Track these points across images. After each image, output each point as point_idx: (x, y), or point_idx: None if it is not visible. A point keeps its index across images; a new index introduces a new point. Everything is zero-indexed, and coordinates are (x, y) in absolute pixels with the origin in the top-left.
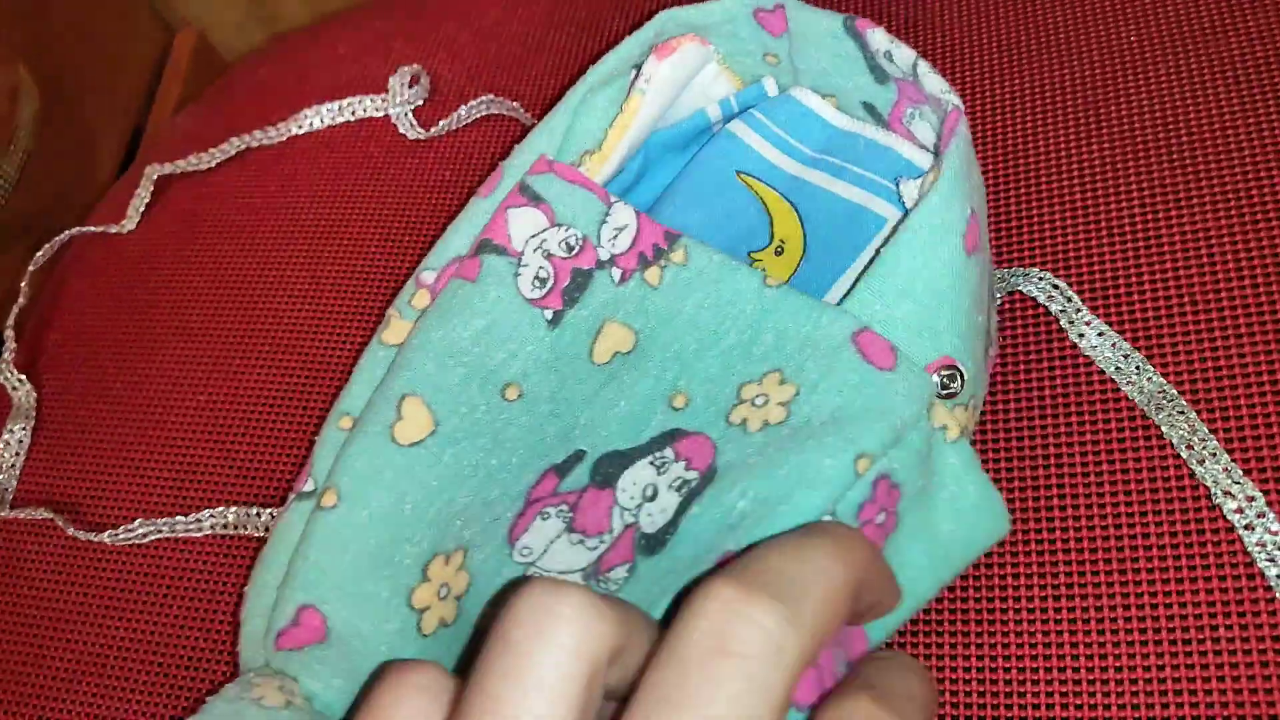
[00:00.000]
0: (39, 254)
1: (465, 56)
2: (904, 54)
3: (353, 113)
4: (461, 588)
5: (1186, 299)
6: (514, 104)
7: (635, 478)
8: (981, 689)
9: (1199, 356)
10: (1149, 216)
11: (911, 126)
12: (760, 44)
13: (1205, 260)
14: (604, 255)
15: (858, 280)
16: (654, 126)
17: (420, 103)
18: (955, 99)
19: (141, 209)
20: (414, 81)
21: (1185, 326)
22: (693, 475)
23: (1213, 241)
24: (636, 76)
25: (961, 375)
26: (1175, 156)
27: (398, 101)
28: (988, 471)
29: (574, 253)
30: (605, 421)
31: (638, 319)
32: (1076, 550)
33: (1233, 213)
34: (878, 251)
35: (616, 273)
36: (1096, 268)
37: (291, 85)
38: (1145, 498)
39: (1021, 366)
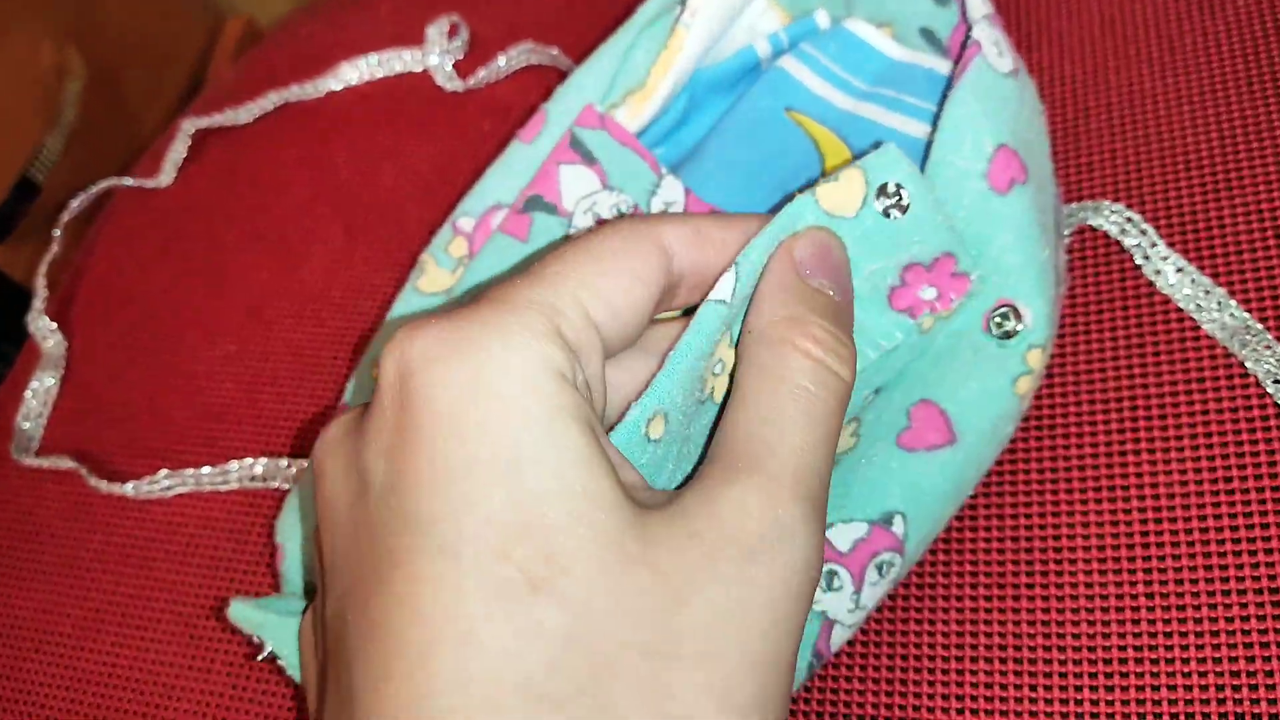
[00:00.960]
0: (74, 203)
1: (505, 10)
2: None
3: (390, 67)
4: None
5: (1271, 231)
6: (554, 51)
7: None
8: (1034, 635)
9: None
10: (1227, 147)
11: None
12: None
13: None
14: None
15: None
16: (699, 63)
17: (460, 56)
18: (986, 29)
19: (178, 164)
20: (453, 33)
21: (1270, 260)
22: None
23: None
24: (682, 12)
25: (1017, 313)
26: (1255, 85)
27: (436, 52)
28: (1056, 415)
29: None
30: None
31: None
32: (1152, 496)
33: None
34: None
35: None
36: (1173, 201)
37: (331, 42)
38: (1228, 439)
39: (1093, 305)
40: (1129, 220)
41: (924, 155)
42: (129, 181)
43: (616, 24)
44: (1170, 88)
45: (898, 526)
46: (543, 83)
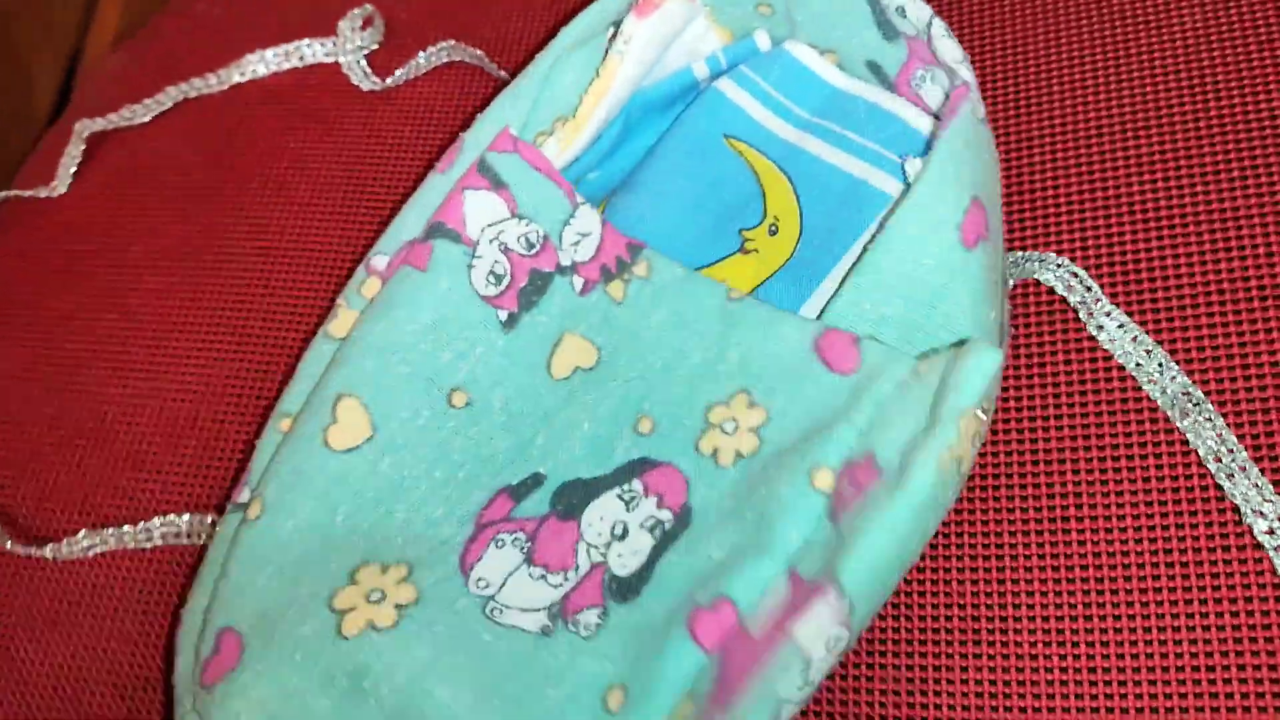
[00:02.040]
0: None
1: None
2: (919, 10)
3: (300, 58)
4: (406, 598)
5: (1214, 290)
6: (478, 52)
7: (602, 511)
8: (981, 705)
9: (1227, 354)
10: (1174, 198)
11: (920, 90)
12: None
13: (1235, 247)
14: (565, 260)
15: (846, 276)
16: (635, 88)
17: (374, 47)
18: (968, 72)
19: (73, 170)
20: (367, 24)
21: (1213, 320)
22: (666, 515)
23: (1243, 226)
24: (614, 35)
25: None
26: (1204, 133)
27: (349, 48)
28: (1000, 473)
29: (534, 251)
30: (566, 444)
31: (600, 334)
32: (1094, 565)
33: (1265, 195)
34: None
35: (579, 281)
36: (1117, 253)
37: (232, 26)
38: (1169, 509)
39: (1035, 358)
40: (1074, 275)
41: (860, 197)
42: (20, 193)
43: (545, 11)
44: (1117, 130)
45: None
46: (469, 83)
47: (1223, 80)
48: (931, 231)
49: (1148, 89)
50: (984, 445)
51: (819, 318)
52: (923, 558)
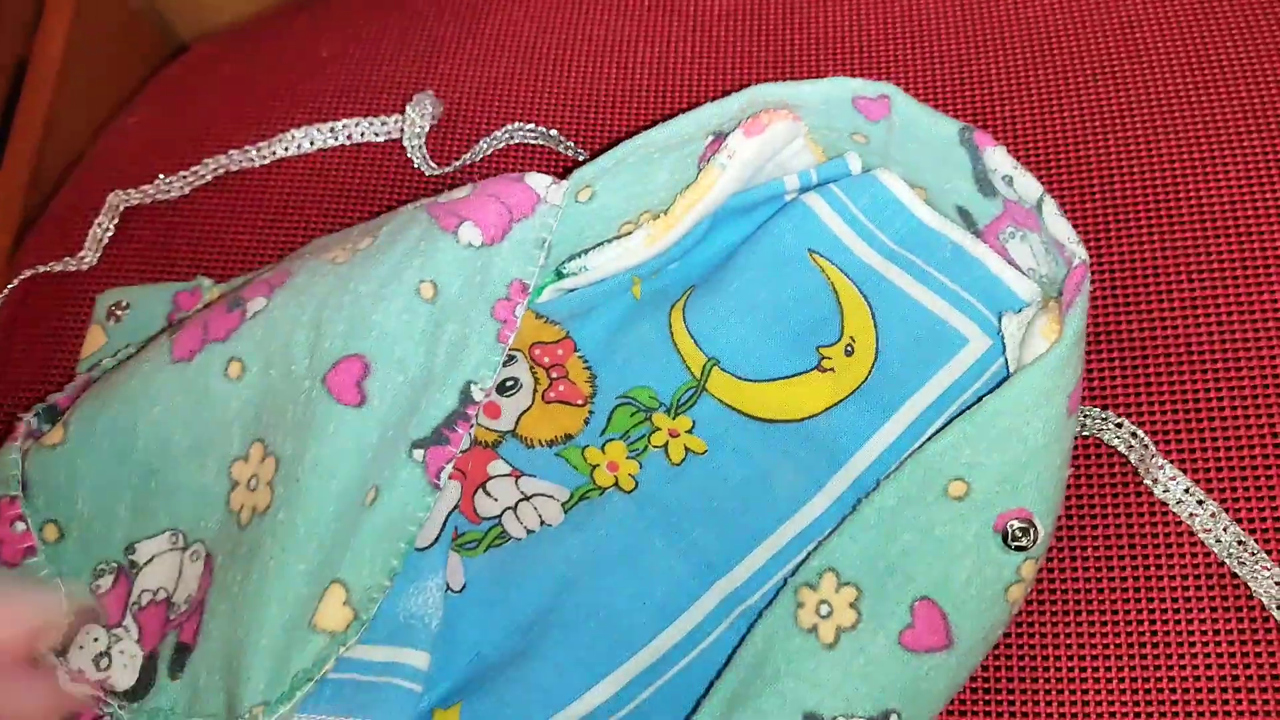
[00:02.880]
0: None
1: (472, 71)
2: (1030, 185)
3: (348, 136)
4: None
5: (1270, 442)
6: (552, 132)
7: None
8: None
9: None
10: (1225, 334)
11: (1009, 245)
12: (851, 123)
13: None
14: None
15: (951, 418)
16: (728, 196)
17: (429, 127)
18: (1082, 251)
19: (104, 241)
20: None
21: (1270, 475)
22: None
23: None
24: (714, 144)
25: (1036, 529)
26: (1254, 275)
27: (415, 131)
28: (1057, 619)
29: None
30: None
31: None
32: (1146, 713)
33: None
34: (972, 394)
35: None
36: (1167, 405)
37: (267, 90)
38: (1236, 655)
39: (1086, 510)
40: (1134, 435)
41: (938, 336)
42: (51, 267)
43: (601, 89)
44: (1168, 269)
45: None
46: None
47: (1268, 229)
48: (1048, 399)
49: (1198, 233)
50: (1039, 592)
51: (893, 455)
52: (963, 691)
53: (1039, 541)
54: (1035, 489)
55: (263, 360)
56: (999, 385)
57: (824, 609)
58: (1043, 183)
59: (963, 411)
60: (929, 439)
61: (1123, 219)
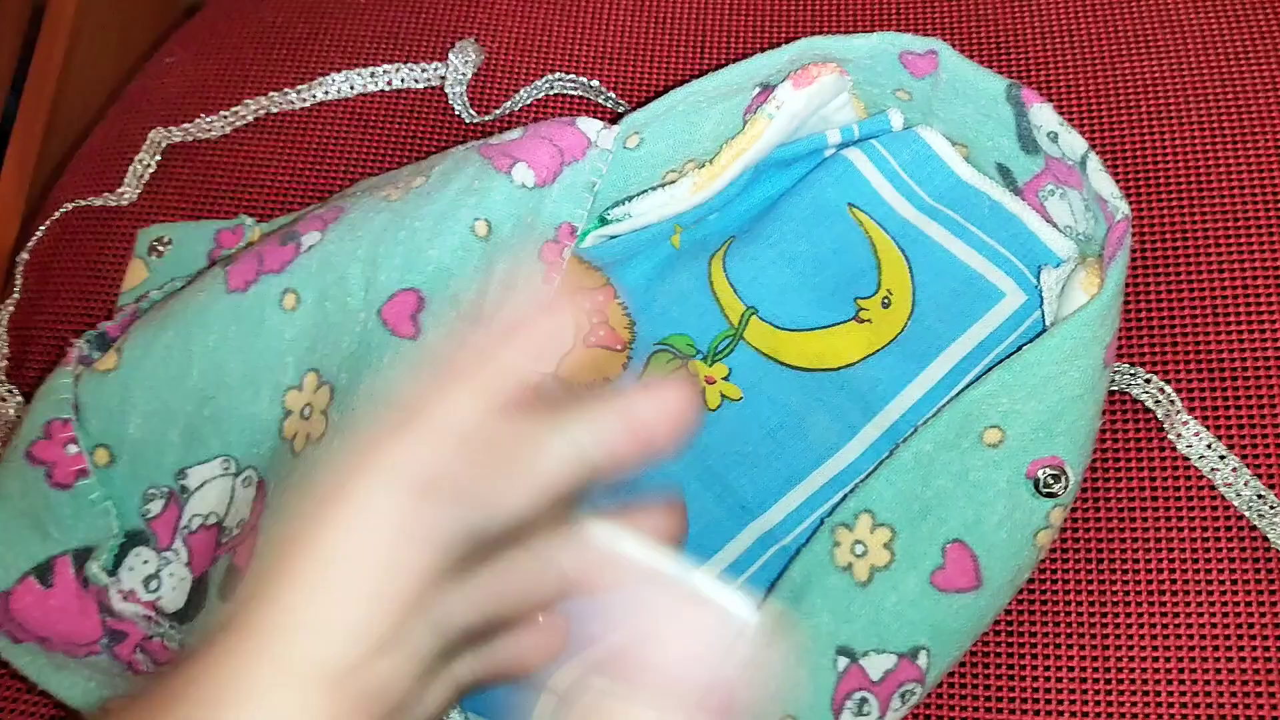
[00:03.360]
0: (31, 241)
1: (511, 21)
2: (1075, 142)
3: (388, 82)
4: None
5: None
6: (594, 83)
7: None
8: None
9: None
10: (1250, 302)
11: (1047, 203)
12: (896, 80)
13: None
14: None
15: (986, 369)
16: (773, 148)
17: (471, 75)
18: (1125, 206)
19: (145, 178)
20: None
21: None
22: None
23: None
24: (761, 95)
25: (1067, 477)
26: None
27: (457, 78)
28: (1080, 567)
29: None
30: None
31: None
32: (1156, 666)
33: None
34: (1007, 346)
35: None
36: (1193, 359)
37: (305, 34)
38: (1253, 609)
39: (1111, 463)
40: (1162, 390)
41: (975, 289)
42: (92, 201)
43: (644, 43)
44: (1200, 229)
45: (922, 660)
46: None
47: None
48: (1086, 349)
49: (1228, 200)
50: (1063, 539)
51: (928, 404)
52: (987, 632)
53: (1069, 489)
54: (1068, 437)
55: (318, 292)
56: (1033, 339)
57: (859, 548)
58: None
59: (997, 363)
60: (966, 387)
61: (1155, 183)
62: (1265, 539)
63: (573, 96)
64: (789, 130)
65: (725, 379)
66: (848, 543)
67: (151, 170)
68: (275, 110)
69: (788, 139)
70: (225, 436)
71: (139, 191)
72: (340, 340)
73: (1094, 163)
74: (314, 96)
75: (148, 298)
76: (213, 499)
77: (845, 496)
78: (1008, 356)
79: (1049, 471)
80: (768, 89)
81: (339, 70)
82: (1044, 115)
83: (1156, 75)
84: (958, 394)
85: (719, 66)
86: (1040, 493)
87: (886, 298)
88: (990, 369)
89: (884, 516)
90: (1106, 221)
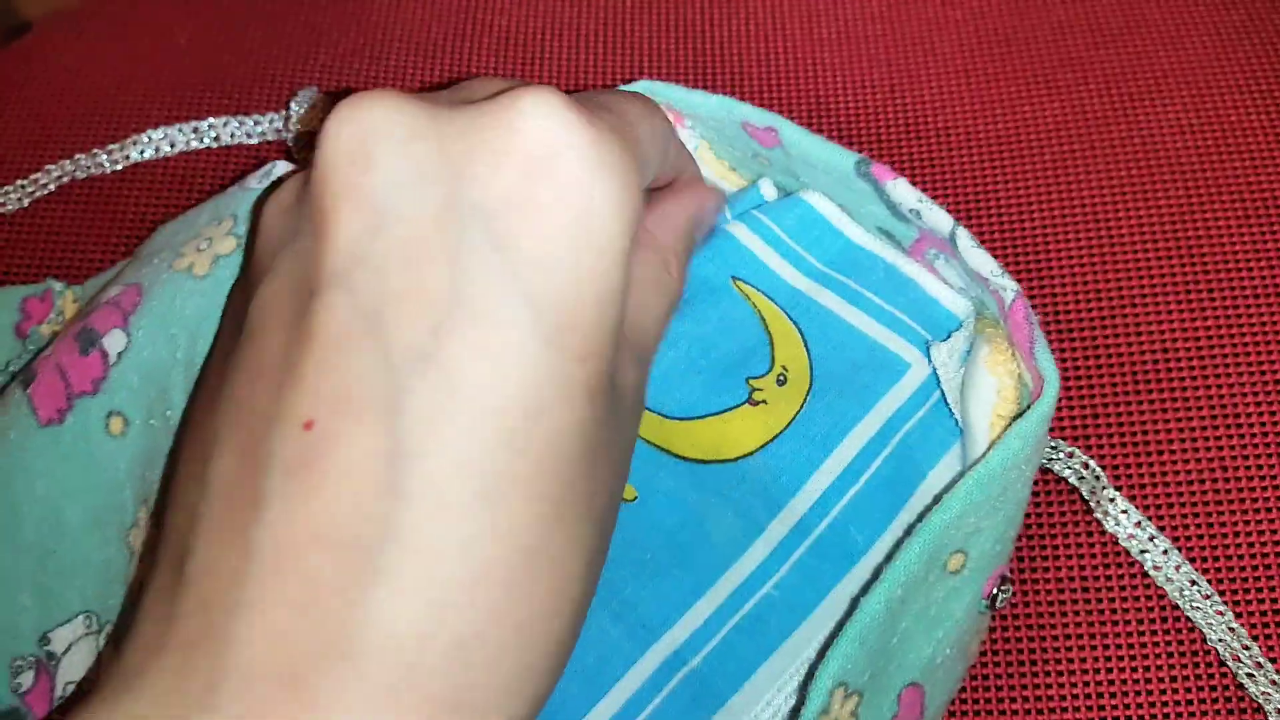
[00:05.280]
0: None
1: (359, 63)
2: (938, 218)
3: (215, 138)
4: None
5: (1220, 480)
6: None
7: None
8: None
9: (1231, 547)
10: (1176, 380)
11: (935, 264)
12: (748, 146)
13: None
14: None
15: (895, 451)
16: None
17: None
18: (1012, 283)
19: None
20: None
21: (1223, 518)
22: None
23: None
24: None
25: (1009, 580)
26: (1197, 298)
27: (293, 128)
28: (1014, 670)
29: None
30: None
31: None
32: None
33: (1269, 382)
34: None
35: None
36: (1116, 436)
37: (115, 83)
38: (1194, 712)
39: (1037, 546)
40: (1085, 466)
41: (877, 362)
42: None
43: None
44: (1120, 305)
45: None
46: None
47: (1209, 249)
48: (1038, 447)
49: (1139, 256)
50: (993, 642)
51: (836, 495)
52: None
53: (1010, 593)
54: (1014, 541)
55: (144, 410)
56: (940, 416)
57: None
58: (976, 198)
59: (906, 446)
60: (929, 510)
61: (1062, 239)
62: (1201, 632)
63: None
64: None
65: None
66: None
67: None
68: (82, 175)
69: None
70: (82, 591)
71: None
72: (162, 463)
73: (965, 240)
74: (126, 157)
75: None
76: (81, 662)
77: (814, 668)
78: (961, 474)
79: (1000, 585)
80: None
81: (156, 126)
82: (900, 192)
83: (1058, 119)
84: (922, 520)
85: None
86: (991, 608)
87: (782, 374)
88: (953, 484)
89: (855, 684)
90: (996, 302)
